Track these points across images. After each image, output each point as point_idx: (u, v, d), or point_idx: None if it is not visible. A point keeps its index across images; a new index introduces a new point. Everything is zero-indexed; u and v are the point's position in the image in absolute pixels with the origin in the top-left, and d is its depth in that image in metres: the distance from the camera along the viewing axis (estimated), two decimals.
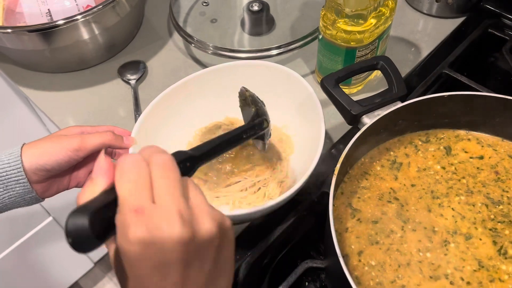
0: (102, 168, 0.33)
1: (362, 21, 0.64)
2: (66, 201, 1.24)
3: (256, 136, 0.54)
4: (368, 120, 0.53)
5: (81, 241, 0.28)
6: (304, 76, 0.77)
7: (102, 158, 0.33)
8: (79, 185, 0.62)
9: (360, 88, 0.75)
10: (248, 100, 0.59)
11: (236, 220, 0.61)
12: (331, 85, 0.55)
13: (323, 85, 0.56)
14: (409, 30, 0.83)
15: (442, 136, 0.59)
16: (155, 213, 0.29)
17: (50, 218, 1.24)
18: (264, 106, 0.56)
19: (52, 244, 1.31)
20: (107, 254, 1.57)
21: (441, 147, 0.58)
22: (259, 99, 0.56)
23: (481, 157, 0.57)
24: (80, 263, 1.49)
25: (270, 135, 0.57)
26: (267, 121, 0.55)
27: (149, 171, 0.31)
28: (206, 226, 0.31)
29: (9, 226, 1.16)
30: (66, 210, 1.25)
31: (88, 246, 0.29)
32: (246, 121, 0.59)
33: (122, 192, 0.30)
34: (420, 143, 0.58)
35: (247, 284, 0.55)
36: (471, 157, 0.57)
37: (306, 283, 0.58)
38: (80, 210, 0.29)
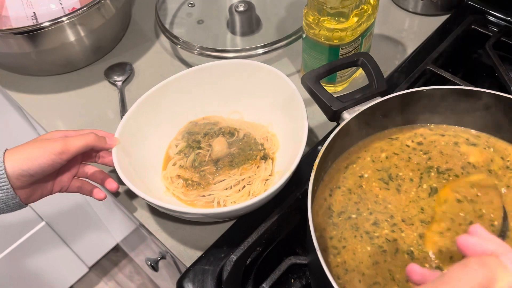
0: None
1: (343, 19, 0.64)
2: (58, 206, 1.24)
3: None
4: (348, 116, 0.53)
5: None
6: (290, 75, 0.77)
7: None
8: (63, 189, 0.61)
9: (345, 85, 0.75)
10: None
11: (221, 218, 0.61)
12: (312, 82, 0.56)
13: (304, 82, 0.56)
14: (395, 28, 0.84)
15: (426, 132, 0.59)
16: None
17: (43, 223, 1.24)
18: None
19: (45, 249, 1.31)
20: (101, 259, 1.57)
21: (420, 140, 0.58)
22: None
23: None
24: (74, 268, 1.48)
25: None
26: None
27: None
28: None
29: (1, 232, 1.16)
30: (58, 215, 1.25)
31: None
32: None
33: None
34: (399, 137, 0.58)
35: (232, 281, 0.55)
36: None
37: (292, 280, 0.58)
38: None
